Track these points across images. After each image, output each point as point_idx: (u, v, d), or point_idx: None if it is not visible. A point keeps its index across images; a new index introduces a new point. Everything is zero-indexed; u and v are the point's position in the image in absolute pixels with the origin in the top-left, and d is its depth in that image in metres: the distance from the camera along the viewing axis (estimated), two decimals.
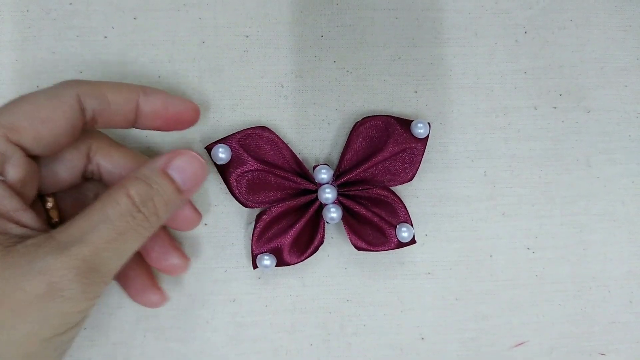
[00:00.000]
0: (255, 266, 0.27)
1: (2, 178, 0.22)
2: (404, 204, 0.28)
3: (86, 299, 0.21)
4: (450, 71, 0.30)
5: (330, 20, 0.30)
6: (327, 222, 0.27)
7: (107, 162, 0.25)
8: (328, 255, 0.29)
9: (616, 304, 0.30)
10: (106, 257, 0.21)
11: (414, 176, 0.28)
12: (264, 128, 0.27)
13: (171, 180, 0.23)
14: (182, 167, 0.24)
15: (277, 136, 0.27)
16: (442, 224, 0.29)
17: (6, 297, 0.20)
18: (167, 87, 0.29)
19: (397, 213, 0.28)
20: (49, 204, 0.25)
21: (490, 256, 0.30)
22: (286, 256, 0.27)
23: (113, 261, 0.22)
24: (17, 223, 0.22)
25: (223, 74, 0.29)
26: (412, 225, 0.28)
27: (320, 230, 0.27)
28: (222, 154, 0.27)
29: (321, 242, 0.27)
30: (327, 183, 0.27)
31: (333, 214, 0.27)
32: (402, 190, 0.29)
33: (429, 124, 0.28)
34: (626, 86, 0.31)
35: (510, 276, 0.30)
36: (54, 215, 0.25)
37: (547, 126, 0.30)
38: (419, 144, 0.28)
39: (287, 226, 0.28)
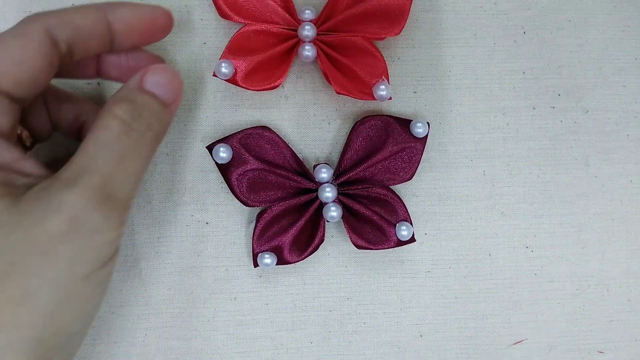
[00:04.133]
0: (256, 265, 0.28)
1: None
2: (403, 203, 0.28)
3: (111, 228, 0.20)
4: (449, 72, 0.30)
5: None
6: (328, 221, 0.28)
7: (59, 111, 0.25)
8: (328, 254, 0.29)
9: (614, 303, 0.30)
10: (117, 182, 0.21)
11: (413, 175, 0.28)
12: (265, 128, 0.28)
13: (153, 95, 0.23)
14: (159, 81, 0.23)
15: (277, 136, 0.28)
16: (442, 223, 0.30)
17: (32, 243, 0.19)
18: None
19: (397, 212, 0.28)
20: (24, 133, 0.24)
21: (489, 255, 0.30)
22: (287, 255, 0.27)
23: (126, 184, 0.21)
24: (21, 173, 0.21)
25: None
26: (411, 223, 0.28)
27: (321, 229, 0.28)
28: (223, 153, 0.27)
29: (321, 241, 0.28)
30: (327, 182, 0.28)
31: (333, 212, 0.27)
32: (401, 189, 0.29)
33: (427, 123, 0.28)
34: (624, 86, 0.31)
35: (509, 275, 0.30)
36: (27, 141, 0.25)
37: (545, 126, 0.31)
38: (418, 144, 0.28)
39: (287, 225, 0.28)
